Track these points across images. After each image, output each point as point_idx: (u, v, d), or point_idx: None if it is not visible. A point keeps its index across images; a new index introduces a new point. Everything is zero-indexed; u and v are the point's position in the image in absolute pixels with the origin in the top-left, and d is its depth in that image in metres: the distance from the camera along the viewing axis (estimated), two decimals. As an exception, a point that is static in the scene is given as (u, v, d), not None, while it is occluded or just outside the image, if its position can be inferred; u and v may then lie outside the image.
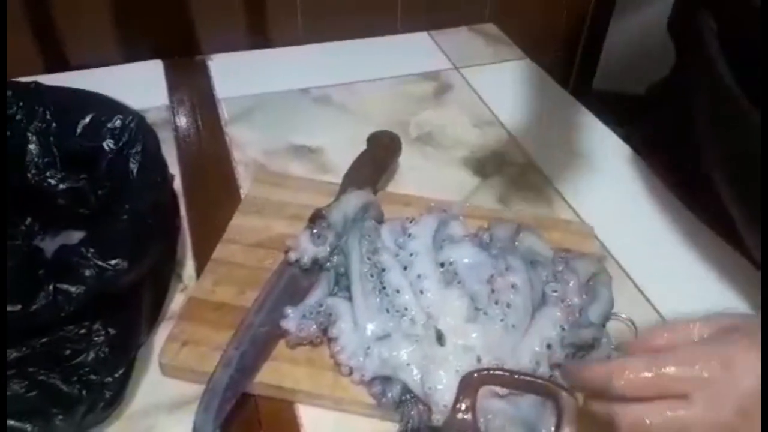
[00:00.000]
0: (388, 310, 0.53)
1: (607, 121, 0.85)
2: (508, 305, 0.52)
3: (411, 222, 0.60)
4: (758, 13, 0.55)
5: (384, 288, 0.54)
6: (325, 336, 0.54)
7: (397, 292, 0.54)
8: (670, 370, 0.40)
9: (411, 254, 0.56)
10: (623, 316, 0.57)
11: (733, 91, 0.58)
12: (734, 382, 0.39)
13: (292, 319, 0.53)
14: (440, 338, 0.51)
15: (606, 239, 0.67)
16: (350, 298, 0.55)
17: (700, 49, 0.63)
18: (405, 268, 0.55)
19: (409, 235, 0.58)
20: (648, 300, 0.62)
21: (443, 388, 0.48)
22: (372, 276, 0.55)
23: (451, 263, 0.57)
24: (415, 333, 0.52)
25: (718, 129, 0.63)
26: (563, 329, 0.52)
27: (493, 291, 0.54)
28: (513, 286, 0.53)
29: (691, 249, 0.68)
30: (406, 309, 0.53)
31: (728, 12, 0.61)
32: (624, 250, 0.67)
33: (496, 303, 0.53)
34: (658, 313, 0.60)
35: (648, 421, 0.40)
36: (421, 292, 0.54)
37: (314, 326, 0.53)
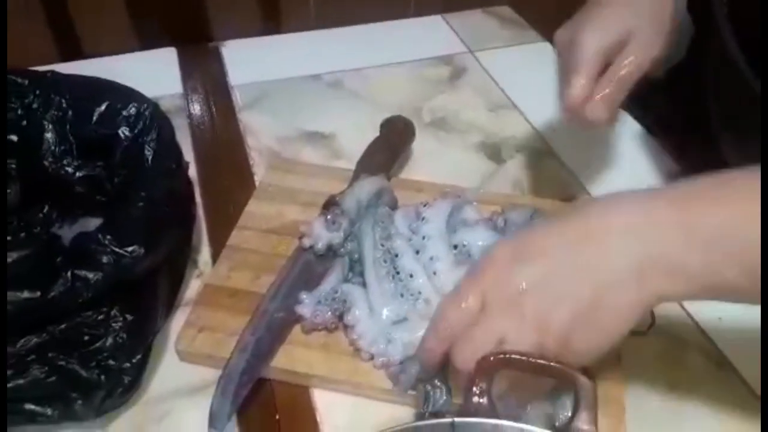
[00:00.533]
0: (402, 295, 0.53)
1: (622, 104, 0.83)
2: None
3: (425, 206, 0.59)
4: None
5: (398, 273, 0.54)
6: (340, 322, 0.54)
7: (411, 276, 0.54)
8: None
9: (423, 237, 0.56)
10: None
11: (746, 76, 0.57)
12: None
13: (307, 305, 0.54)
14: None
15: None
16: (364, 284, 0.55)
17: (713, 30, 0.62)
18: (418, 252, 0.55)
19: (423, 219, 0.58)
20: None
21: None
22: (385, 262, 0.55)
23: (464, 246, 0.56)
24: (431, 313, 0.51)
25: (732, 113, 0.61)
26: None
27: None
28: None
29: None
30: (419, 292, 0.53)
31: None
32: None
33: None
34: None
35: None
36: (434, 273, 0.53)
37: (329, 312, 0.53)
